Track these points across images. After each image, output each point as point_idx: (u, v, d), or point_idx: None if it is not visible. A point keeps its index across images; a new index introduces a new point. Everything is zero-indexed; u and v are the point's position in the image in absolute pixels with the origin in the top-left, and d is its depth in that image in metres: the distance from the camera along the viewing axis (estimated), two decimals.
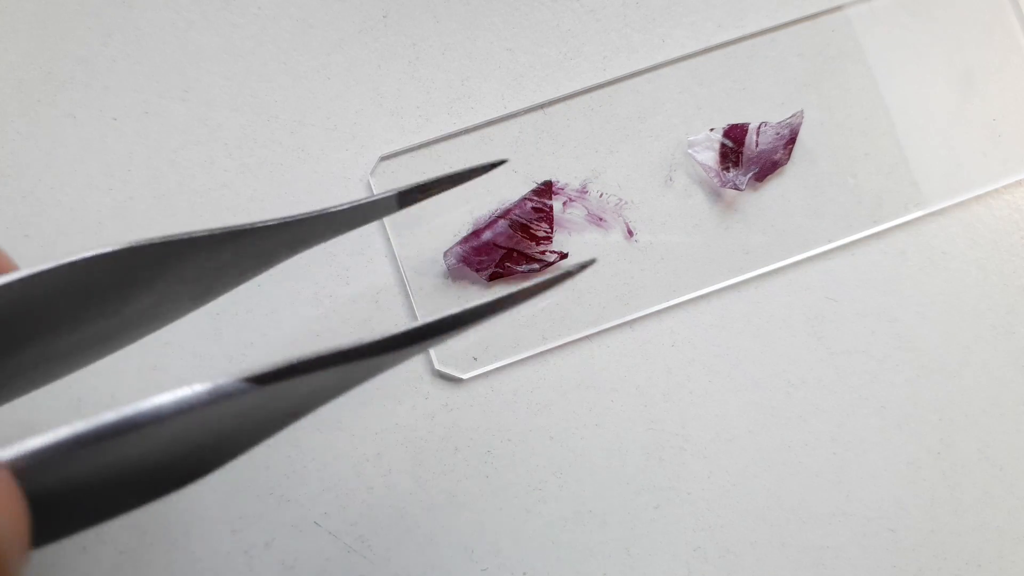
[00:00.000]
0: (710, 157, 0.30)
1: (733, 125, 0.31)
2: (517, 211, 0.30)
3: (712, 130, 0.31)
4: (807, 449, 0.30)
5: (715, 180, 0.30)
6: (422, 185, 0.24)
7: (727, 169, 0.30)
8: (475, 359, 0.30)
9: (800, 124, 0.31)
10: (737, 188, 0.30)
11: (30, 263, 0.30)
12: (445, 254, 0.30)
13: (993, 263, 0.32)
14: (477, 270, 0.30)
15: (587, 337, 0.31)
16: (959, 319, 0.31)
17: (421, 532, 0.29)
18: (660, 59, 0.32)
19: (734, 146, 0.30)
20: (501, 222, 0.30)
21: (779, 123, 0.31)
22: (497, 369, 0.30)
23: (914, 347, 0.31)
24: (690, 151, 0.31)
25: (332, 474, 0.30)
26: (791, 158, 0.31)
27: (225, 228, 0.20)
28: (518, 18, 0.32)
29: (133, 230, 0.30)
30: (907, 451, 0.31)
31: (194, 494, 0.29)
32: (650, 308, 0.31)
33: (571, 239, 0.31)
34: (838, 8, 0.32)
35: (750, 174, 0.30)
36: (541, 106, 0.31)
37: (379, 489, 0.30)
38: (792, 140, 0.30)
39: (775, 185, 0.31)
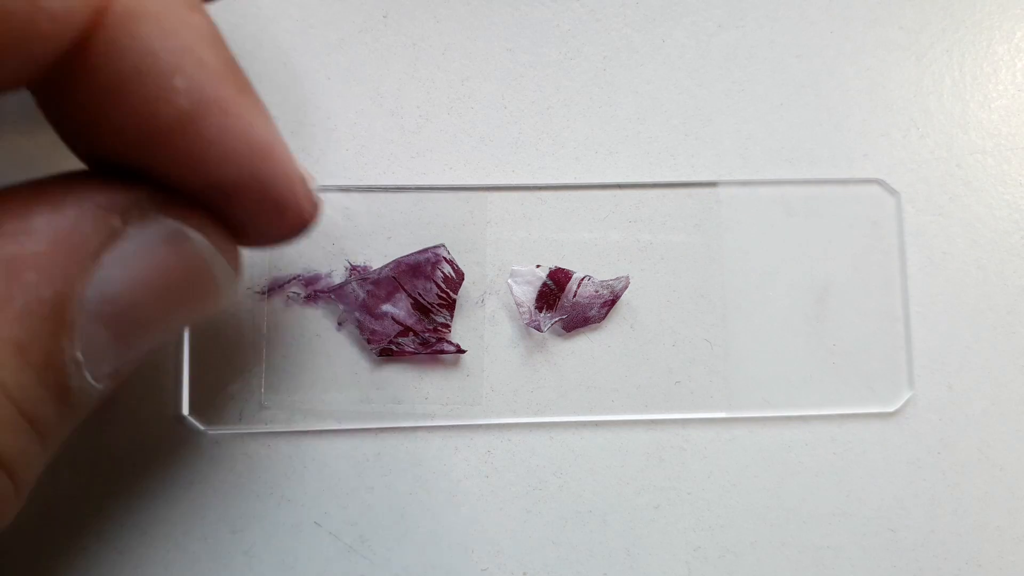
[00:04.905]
0: (527, 292, 0.30)
1: (559, 268, 0.30)
2: (420, 291, 0.30)
3: (539, 267, 0.30)
4: (807, 449, 0.30)
5: (524, 316, 0.30)
6: None
7: (540, 308, 0.30)
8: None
9: (624, 289, 0.30)
10: (538, 330, 0.30)
11: None
12: (339, 316, 0.30)
13: (993, 263, 0.32)
14: (369, 340, 0.30)
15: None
16: (959, 319, 0.31)
17: (421, 532, 0.29)
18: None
19: (555, 288, 0.30)
20: (403, 297, 0.30)
21: (602, 281, 0.30)
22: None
23: (914, 347, 0.31)
24: (510, 280, 0.30)
25: (332, 474, 0.30)
26: (607, 318, 0.31)
27: None
28: (518, 18, 0.32)
29: None
30: (907, 451, 0.31)
31: (194, 494, 0.29)
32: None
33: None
34: (712, 184, 0.31)
35: (555, 320, 0.30)
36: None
37: (379, 489, 0.30)
38: (612, 302, 0.30)
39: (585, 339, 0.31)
